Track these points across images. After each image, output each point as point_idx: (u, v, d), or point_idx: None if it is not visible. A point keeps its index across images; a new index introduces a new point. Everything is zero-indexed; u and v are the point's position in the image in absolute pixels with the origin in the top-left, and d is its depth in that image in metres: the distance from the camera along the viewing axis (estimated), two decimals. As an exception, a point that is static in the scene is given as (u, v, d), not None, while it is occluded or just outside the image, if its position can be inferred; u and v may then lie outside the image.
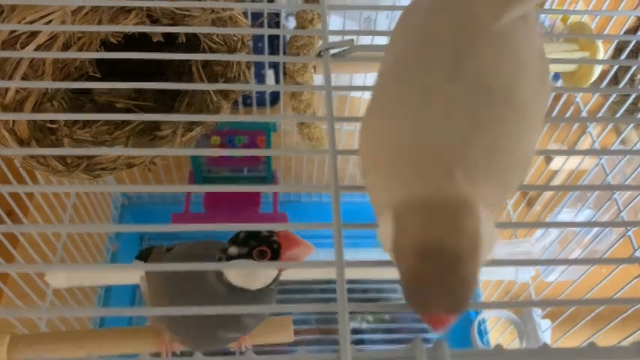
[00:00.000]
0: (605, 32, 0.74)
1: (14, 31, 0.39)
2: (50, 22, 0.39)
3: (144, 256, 0.63)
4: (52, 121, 0.46)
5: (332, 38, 0.37)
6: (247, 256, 0.44)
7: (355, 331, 1.13)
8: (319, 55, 0.35)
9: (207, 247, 0.54)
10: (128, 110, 0.57)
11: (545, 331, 0.82)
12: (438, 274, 0.23)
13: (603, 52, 0.71)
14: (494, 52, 0.27)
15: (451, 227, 0.24)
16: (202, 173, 1.07)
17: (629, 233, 0.66)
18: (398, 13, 0.32)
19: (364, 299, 1.15)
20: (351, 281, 1.15)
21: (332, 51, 0.36)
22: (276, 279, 0.45)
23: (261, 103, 1.20)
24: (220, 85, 0.47)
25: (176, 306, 0.46)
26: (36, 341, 0.51)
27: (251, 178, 1.11)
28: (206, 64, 0.55)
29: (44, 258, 0.80)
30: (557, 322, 0.82)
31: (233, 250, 0.45)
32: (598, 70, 0.73)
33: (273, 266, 0.43)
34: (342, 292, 0.28)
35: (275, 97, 1.25)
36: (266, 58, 0.60)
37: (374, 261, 0.31)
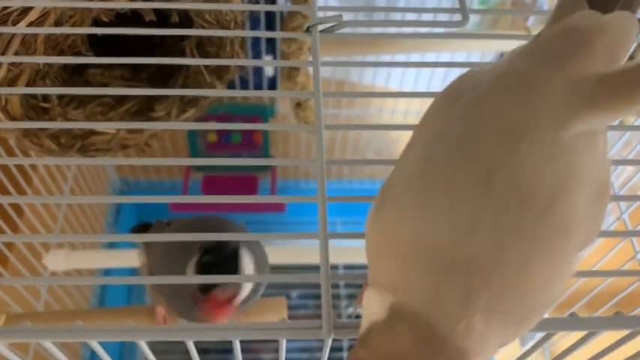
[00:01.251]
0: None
1: (5, 9, 0.39)
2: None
3: (142, 229, 0.64)
4: (45, 100, 0.46)
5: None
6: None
7: (355, 317, 1.13)
8: (308, 31, 0.35)
9: (204, 221, 0.55)
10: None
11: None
12: None
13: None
14: (543, 161, 0.23)
15: None
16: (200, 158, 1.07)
17: (624, 216, 0.66)
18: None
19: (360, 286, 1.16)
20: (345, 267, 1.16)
21: (321, 27, 0.36)
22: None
23: (259, 90, 1.20)
24: (214, 61, 0.47)
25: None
26: (31, 320, 0.51)
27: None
28: (199, 45, 0.55)
29: (42, 243, 0.80)
30: (553, 306, 0.82)
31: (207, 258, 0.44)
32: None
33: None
34: (325, 263, 0.28)
35: (272, 85, 1.25)
36: (257, 33, 0.60)
37: (360, 233, 0.30)
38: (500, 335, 0.22)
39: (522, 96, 0.24)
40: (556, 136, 0.23)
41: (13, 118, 0.44)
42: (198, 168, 1.07)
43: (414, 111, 1.05)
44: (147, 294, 1.04)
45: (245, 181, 1.07)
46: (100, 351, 0.31)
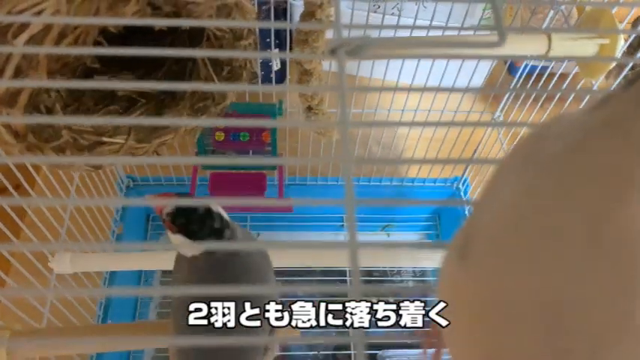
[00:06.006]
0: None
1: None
2: (43, 10, 0.36)
3: None
4: (49, 113, 0.44)
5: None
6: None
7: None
8: (332, 52, 0.33)
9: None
10: (130, 99, 0.54)
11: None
12: None
13: (624, 40, 0.68)
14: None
15: None
16: (207, 156, 1.05)
17: None
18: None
19: (367, 282, 1.16)
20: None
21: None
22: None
23: (266, 82, 1.18)
24: (222, 52, 0.45)
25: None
26: (36, 337, 0.50)
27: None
28: (210, 51, 0.52)
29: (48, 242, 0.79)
30: None
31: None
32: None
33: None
34: (356, 276, 0.25)
35: (280, 77, 1.23)
36: (275, 54, 0.57)
37: (387, 242, 0.28)
38: None
39: (622, 143, 0.22)
40: None
41: (16, 133, 0.42)
42: (206, 165, 1.05)
43: (424, 109, 1.03)
44: (151, 305, 1.03)
45: (253, 179, 1.05)
46: None
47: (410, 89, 0.93)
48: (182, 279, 0.50)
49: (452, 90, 0.97)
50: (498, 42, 0.34)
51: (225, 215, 0.47)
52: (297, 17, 1.08)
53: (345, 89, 0.32)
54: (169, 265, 0.54)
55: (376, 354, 1.01)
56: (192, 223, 0.45)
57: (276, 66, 1.24)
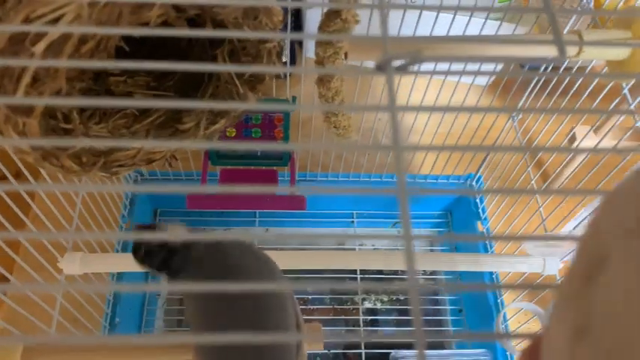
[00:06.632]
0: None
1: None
2: (63, 15, 0.34)
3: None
4: (65, 121, 0.42)
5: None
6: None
7: (370, 311, 1.12)
8: (379, 68, 0.30)
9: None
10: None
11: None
12: None
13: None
14: None
15: None
16: (217, 150, 1.03)
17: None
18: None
19: (378, 279, 1.15)
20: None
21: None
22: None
23: (278, 74, 1.15)
24: (244, 68, 0.42)
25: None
26: (49, 353, 0.48)
27: (267, 157, 1.07)
28: (232, 53, 0.50)
29: (57, 247, 0.77)
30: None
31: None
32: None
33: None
34: (411, 268, 0.23)
35: (292, 64, 1.20)
36: (300, 69, 0.55)
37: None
38: None
39: None
40: None
41: (31, 142, 0.40)
42: (215, 161, 1.02)
43: (441, 108, 1.01)
44: (157, 313, 1.02)
45: (264, 174, 1.03)
46: None
47: (447, 108, 0.90)
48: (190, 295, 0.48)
49: (476, 110, 0.94)
50: (559, 57, 0.31)
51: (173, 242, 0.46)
52: (311, 21, 1.05)
53: (395, 109, 0.29)
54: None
55: (389, 353, 1.00)
56: (146, 256, 0.47)
57: (284, 57, 1.21)
